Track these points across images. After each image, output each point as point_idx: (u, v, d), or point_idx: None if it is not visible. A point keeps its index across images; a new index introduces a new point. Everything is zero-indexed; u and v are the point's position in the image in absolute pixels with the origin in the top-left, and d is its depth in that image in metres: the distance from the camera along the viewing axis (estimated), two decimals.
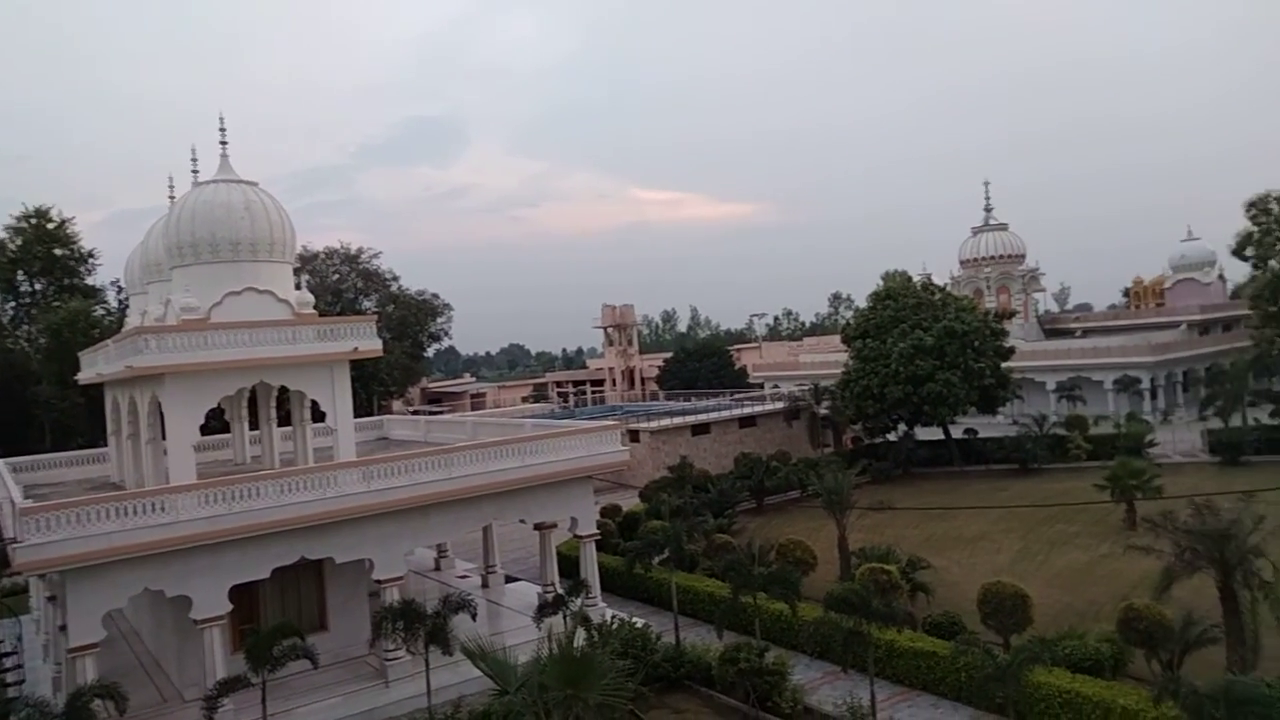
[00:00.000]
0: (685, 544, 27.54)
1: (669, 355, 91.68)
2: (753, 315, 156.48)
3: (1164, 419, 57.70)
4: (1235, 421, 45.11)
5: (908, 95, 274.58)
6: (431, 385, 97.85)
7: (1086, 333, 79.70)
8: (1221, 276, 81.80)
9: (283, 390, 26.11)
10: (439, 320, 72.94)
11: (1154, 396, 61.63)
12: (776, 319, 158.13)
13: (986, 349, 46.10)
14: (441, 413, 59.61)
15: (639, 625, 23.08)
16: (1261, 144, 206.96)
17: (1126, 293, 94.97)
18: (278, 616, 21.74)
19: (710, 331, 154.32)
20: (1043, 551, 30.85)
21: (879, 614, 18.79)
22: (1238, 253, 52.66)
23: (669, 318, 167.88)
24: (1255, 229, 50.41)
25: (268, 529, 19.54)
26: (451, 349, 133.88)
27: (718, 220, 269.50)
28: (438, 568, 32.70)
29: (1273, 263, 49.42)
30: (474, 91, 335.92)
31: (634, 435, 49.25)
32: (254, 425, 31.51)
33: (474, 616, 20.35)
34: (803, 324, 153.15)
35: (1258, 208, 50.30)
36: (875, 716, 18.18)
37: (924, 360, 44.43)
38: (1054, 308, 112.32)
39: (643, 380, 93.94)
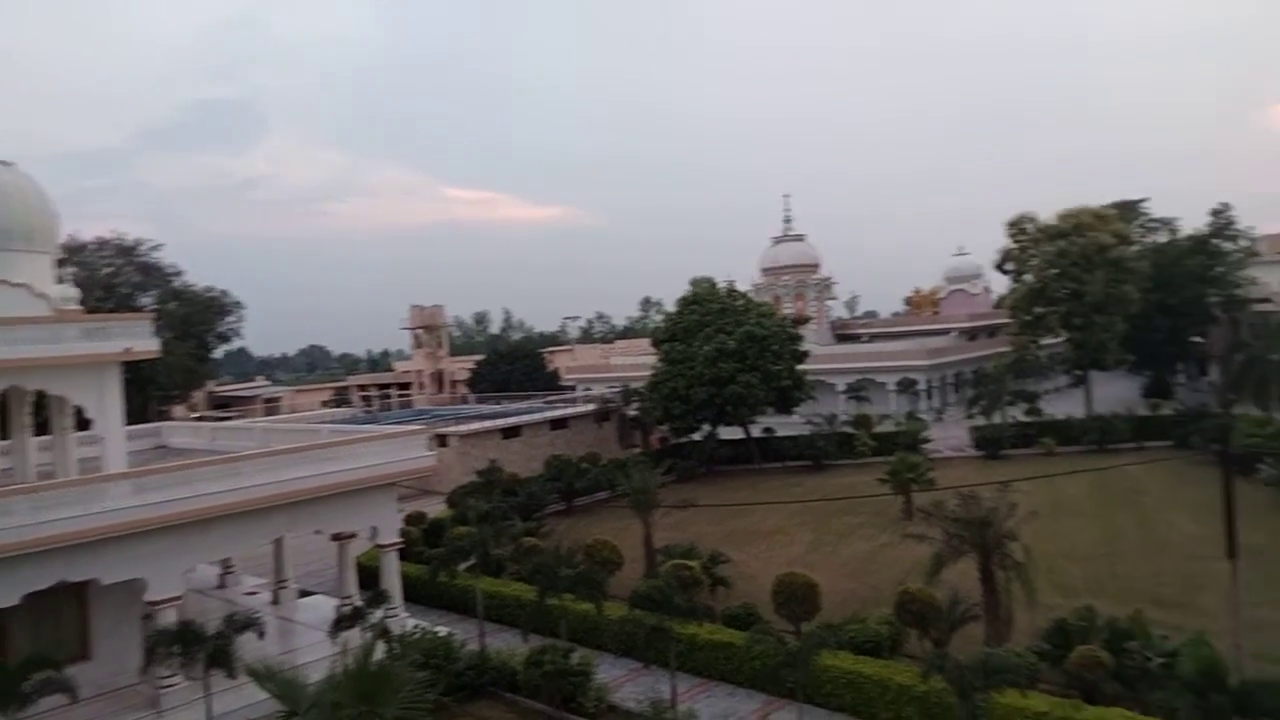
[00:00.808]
0: (492, 549, 27.19)
1: (481, 358, 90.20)
2: (565, 318, 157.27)
3: (938, 417, 63.16)
4: (997, 419, 50.11)
5: (718, 110, 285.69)
6: (220, 389, 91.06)
7: (873, 338, 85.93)
8: (987, 288, 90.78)
9: (41, 395, 23.45)
10: (229, 319, 67.88)
11: (930, 396, 67.33)
12: (589, 322, 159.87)
13: (784, 352, 48.72)
14: (230, 418, 55.64)
15: (442, 634, 22.53)
16: (1023, 160, 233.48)
17: (908, 301, 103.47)
18: (31, 647, 19.41)
19: (523, 334, 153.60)
20: (832, 542, 32.91)
21: (680, 609, 19.35)
22: (999, 267, 58.57)
23: (481, 319, 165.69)
24: (1014, 246, 56.24)
25: (18, 550, 17.40)
26: (243, 350, 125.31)
27: (532, 222, 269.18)
28: (222, 585, 30.43)
29: (1028, 276, 55.25)
30: (275, 77, 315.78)
31: (442, 440, 48.12)
32: (4, 434, 28.07)
33: (262, 635, 19.12)
34: (615, 327, 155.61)
35: (1016, 227, 56.12)
36: (675, 709, 18.67)
37: (727, 363, 46.32)
38: (845, 314, 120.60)
39: (453, 383, 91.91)
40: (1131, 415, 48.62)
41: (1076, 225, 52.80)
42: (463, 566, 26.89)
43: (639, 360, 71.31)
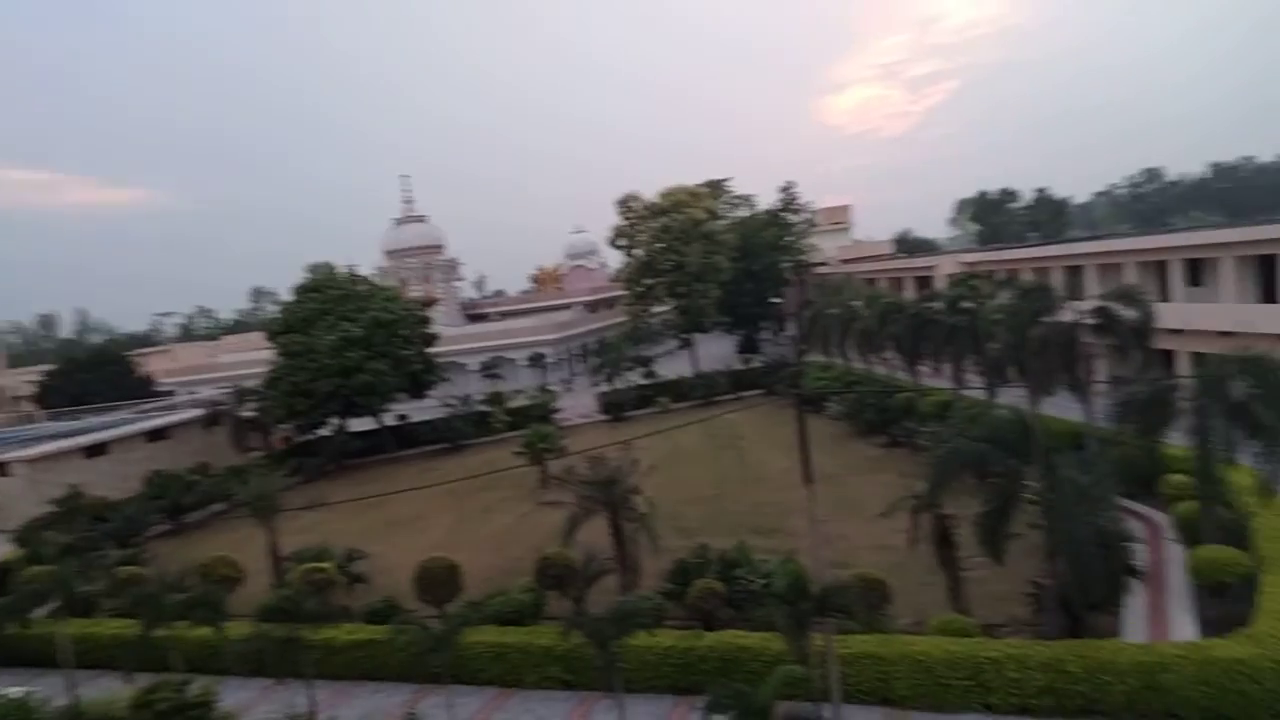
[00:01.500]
0: (78, 586, 23.26)
1: (51, 368, 76.65)
2: (157, 315, 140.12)
3: (567, 387, 66.07)
4: (619, 384, 53.61)
5: (329, 74, 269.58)
6: None
7: (503, 316, 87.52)
8: (604, 263, 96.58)
9: None
10: None
11: (559, 368, 70.23)
12: (189, 318, 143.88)
13: (414, 336, 47.77)
14: None
15: (16, 695, 18.88)
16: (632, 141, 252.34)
17: (534, 279, 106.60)
18: None
19: (105, 336, 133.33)
20: (474, 521, 32.99)
21: (312, 615, 18.10)
22: (613, 243, 62.36)
23: (47, 323, 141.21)
24: (625, 223, 60.17)
25: None
26: None
27: (107, 207, 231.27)
28: None
29: (638, 251, 59.50)
30: None
31: (2, 468, 40.23)
32: None
33: None
34: (221, 322, 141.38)
35: (625, 206, 60.06)
36: None
37: (353, 351, 44.30)
38: (474, 295, 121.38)
39: (15, 399, 77.12)
40: (729, 370, 54.82)
41: (675, 203, 57.89)
42: (43, 612, 22.69)
43: (253, 356, 65.59)
